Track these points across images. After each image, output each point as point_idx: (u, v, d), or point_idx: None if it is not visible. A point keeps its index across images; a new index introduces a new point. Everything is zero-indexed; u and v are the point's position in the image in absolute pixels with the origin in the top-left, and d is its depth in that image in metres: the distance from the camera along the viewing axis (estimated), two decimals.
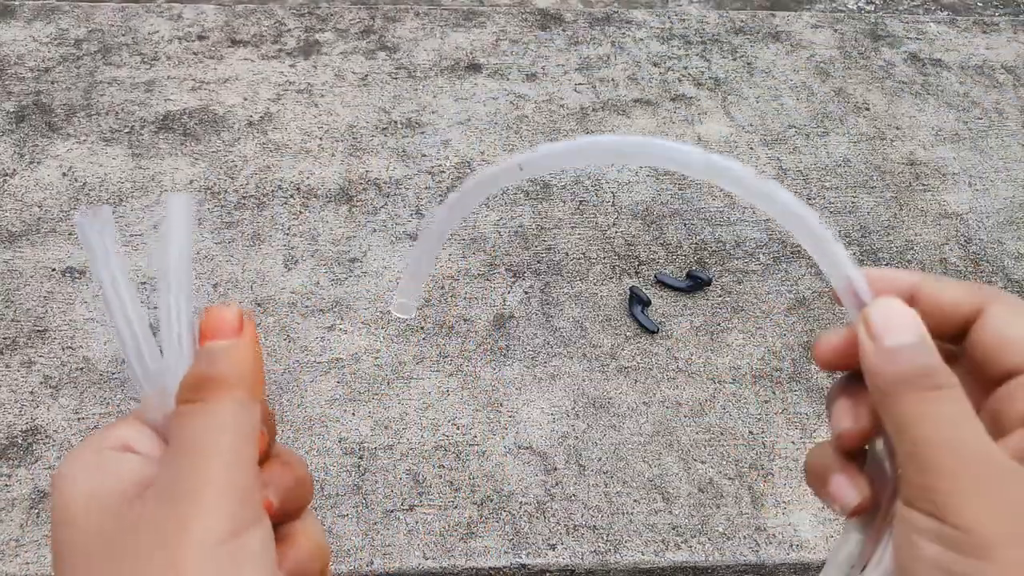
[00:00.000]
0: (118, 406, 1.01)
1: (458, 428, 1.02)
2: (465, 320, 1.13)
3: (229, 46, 1.55)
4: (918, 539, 0.26)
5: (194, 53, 1.53)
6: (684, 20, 1.69)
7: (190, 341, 0.29)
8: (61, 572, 0.27)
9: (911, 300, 0.30)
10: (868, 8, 1.98)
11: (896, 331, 0.29)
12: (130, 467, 0.28)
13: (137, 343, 0.29)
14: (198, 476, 0.26)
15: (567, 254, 1.23)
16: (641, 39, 1.63)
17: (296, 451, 0.98)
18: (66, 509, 0.27)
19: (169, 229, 0.30)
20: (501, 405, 1.04)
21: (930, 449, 0.26)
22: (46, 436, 0.98)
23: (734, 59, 1.60)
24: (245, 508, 0.26)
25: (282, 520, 0.29)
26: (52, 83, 1.45)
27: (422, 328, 1.12)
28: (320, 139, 1.38)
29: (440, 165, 1.35)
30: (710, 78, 1.55)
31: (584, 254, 1.23)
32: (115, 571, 0.25)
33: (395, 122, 1.42)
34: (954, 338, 0.30)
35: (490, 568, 0.91)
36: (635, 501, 0.96)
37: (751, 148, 1.41)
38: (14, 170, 1.30)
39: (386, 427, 1.01)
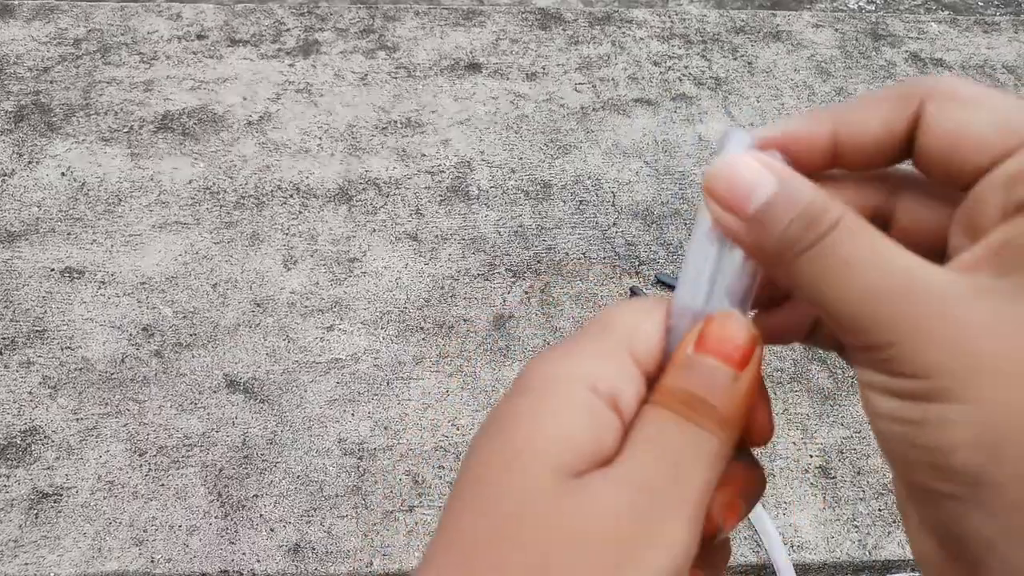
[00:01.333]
0: (117, 406, 1.01)
1: (458, 428, 1.01)
2: (465, 320, 1.13)
3: (228, 45, 1.55)
4: (871, 394, 0.23)
5: (193, 53, 1.53)
6: (684, 19, 1.69)
7: (727, 296, 0.25)
8: (460, 488, 0.24)
9: (834, 154, 0.25)
10: (869, 8, 1.98)
11: (749, 190, 0.23)
12: (610, 435, 0.24)
13: (709, 272, 0.25)
14: (671, 498, 0.23)
15: (567, 254, 1.22)
16: (641, 38, 1.63)
17: (296, 451, 0.98)
18: (530, 438, 0.23)
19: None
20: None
21: (853, 306, 0.22)
22: (45, 436, 0.98)
23: (735, 58, 1.59)
24: (692, 552, 0.23)
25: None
26: (51, 83, 1.45)
27: (422, 328, 1.11)
28: (319, 139, 1.38)
29: (440, 165, 1.34)
30: (711, 77, 1.54)
31: (584, 254, 1.22)
32: (519, 545, 0.22)
33: (395, 122, 1.42)
34: (904, 157, 0.25)
35: None
36: None
37: None
38: (13, 170, 1.29)
39: (386, 428, 1.01)
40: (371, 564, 0.90)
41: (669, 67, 1.56)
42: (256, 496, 0.94)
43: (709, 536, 0.25)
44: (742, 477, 0.26)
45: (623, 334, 0.25)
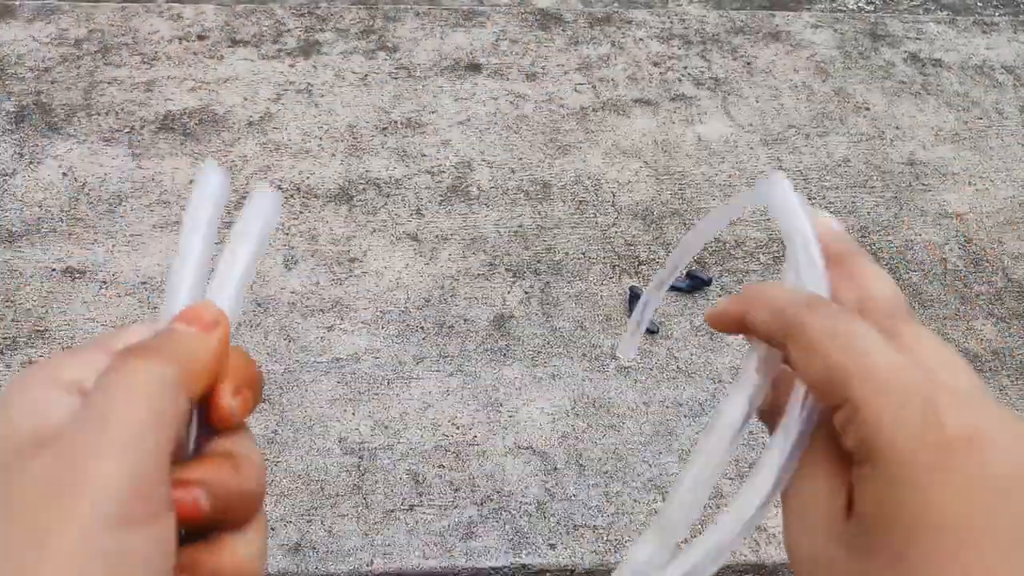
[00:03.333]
0: None
1: (458, 428, 1.02)
2: (465, 320, 1.13)
3: (229, 46, 1.55)
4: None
5: (194, 53, 1.53)
6: (684, 20, 1.69)
7: (232, 310, 0.29)
8: None
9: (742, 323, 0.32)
10: (868, 8, 1.98)
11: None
12: (59, 412, 0.25)
13: (194, 280, 0.29)
14: (97, 444, 0.23)
15: (567, 254, 1.23)
16: (641, 39, 1.63)
17: (296, 450, 0.98)
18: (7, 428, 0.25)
19: (255, 212, 0.31)
20: (501, 405, 1.04)
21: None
22: None
23: (734, 59, 1.60)
24: (136, 500, 0.23)
25: (217, 527, 0.26)
26: (52, 83, 1.45)
27: (422, 328, 1.12)
28: (320, 139, 1.38)
29: (440, 165, 1.35)
30: (710, 78, 1.55)
31: (584, 254, 1.23)
32: None
33: (395, 122, 1.42)
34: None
35: (490, 568, 0.91)
36: (635, 501, 0.96)
37: (751, 148, 1.41)
38: (14, 170, 1.30)
39: (386, 427, 1.01)
40: (372, 563, 0.90)
41: (669, 67, 1.57)
42: None
43: (225, 425, 0.27)
44: (242, 369, 0.28)
45: (104, 338, 0.28)
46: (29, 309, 1.11)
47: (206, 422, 0.28)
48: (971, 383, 0.27)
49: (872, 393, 0.25)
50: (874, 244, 1.27)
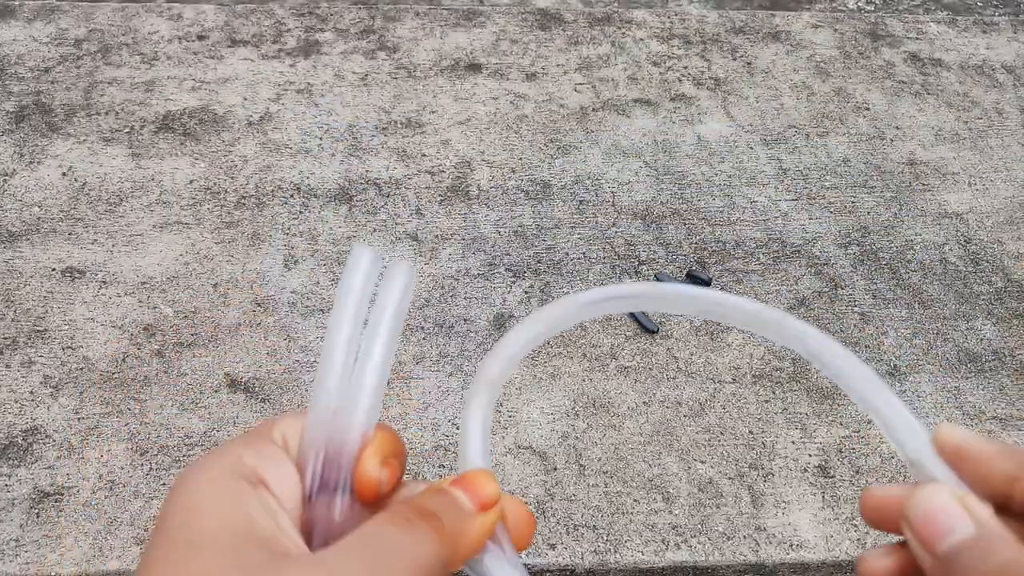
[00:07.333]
0: (118, 406, 1.01)
1: (458, 428, 1.01)
2: (465, 320, 1.13)
3: (229, 46, 1.55)
4: None
5: (194, 53, 1.53)
6: (684, 20, 1.69)
7: (374, 399, 0.29)
8: (168, 563, 0.25)
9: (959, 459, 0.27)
10: (868, 8, 1.98)
11: (945, 530, 0.25)
12: (262, 504, 0.26)
13: (343, 368, 0.29)
14: (356, 566, 0.24)
15: (567, 254, 1.23)
16: (641, 39, 1.63)
17: None
18: (189, 517, 0.25)
19: (393, 291, 0.31)
20: (501, 405, 1.04)
21: None
22: (46, 436, 0.98)
23: (734, 59, 1.60)
24: None
25: None
26: (52, 83, 1.45)
27: (422, 328, 1.12)
28: (320, 139, 1.38)
29: (440, 165, 1.35)
30: (710, 78, 1.55)
31: (584, 254, 1.23)
32: None
33: (395, 122, 1.42)
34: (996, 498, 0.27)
35: None
36: (635, 501, 0.96)
37: (751, 148, 1.41)
38: (14, 170, 1.30)
39: None
40: None
41: (669, 67, 1.57)
42: None
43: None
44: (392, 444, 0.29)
45: (267, 427, 0.29)
46: (29, 309, 1.11)
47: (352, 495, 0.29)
48: None
49: None
50: (874, 244, 1.27)
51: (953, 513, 0.25)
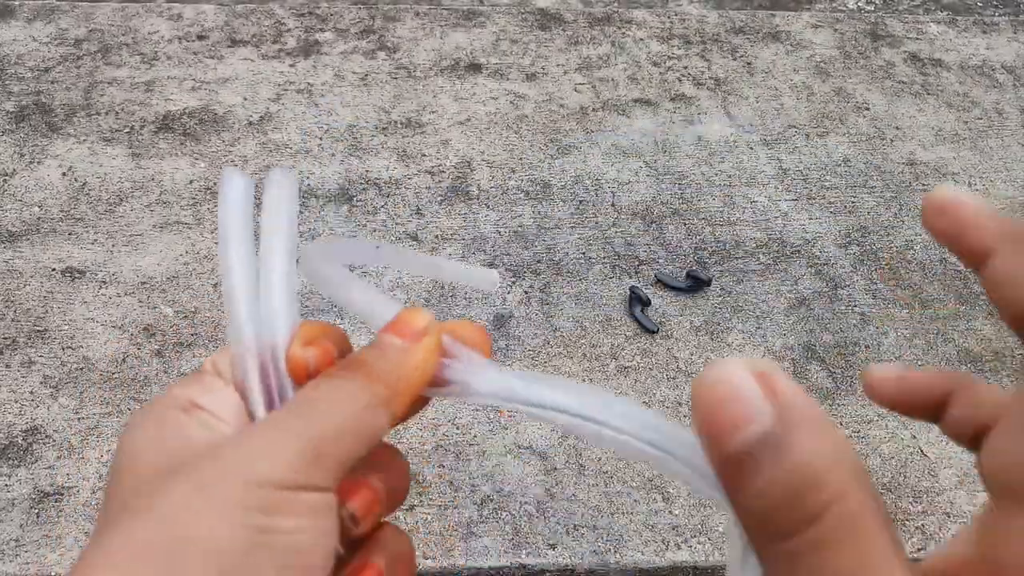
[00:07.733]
0: (118, 406, 1.01)
1: (458, 428, 1.02)
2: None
3: (229, 46, 1.55)
4: None
5: (194, 53, 1.53)
6: (684, 20, 1.69)
7: (289, 304, 0.28)
8: (114, 501, 0.25)
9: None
10: (868, 8, 1.98)
11: (737, 420, 0.18)
12: (200, 424, 0.26)
13: (247, 291, 0.28)
14: (289, 424, 0.24)
15: (567, 254, 1.23)
16: (641, 39, 1.63)
17: None
18: (131, 459, 0.25)
19: (276, 199, 0.30)
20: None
21: None
22: (46, 436, 0.98)
23: (734, 59, 1.60)
24: (314, 470, 0.24)
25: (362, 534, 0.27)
26: (52, 83, 1.45)
27: None
28: (320, 139, 1.38)
29: (440, 165, 1.35)
30: (710, 78, 1.55)
31: (584, 254, 1.23)
32: (155, 472, 0.24)
33: (395, 122, 1.42)
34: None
35: (490, 568, 0.91)
36: (635, 501, 0.96)
37: (751, 148, 1.41)
38: (14, 170, 1.30)
39: None
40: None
41: (669, 67, 1.57)
42: None
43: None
44: (395, 476, 0.28)
45: (202, 367, 0.29)
46: (29, 309, 1.11)
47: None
48: None
49: None
50: (874, 244, 1.27)
51: (747, 397, 0.18)
